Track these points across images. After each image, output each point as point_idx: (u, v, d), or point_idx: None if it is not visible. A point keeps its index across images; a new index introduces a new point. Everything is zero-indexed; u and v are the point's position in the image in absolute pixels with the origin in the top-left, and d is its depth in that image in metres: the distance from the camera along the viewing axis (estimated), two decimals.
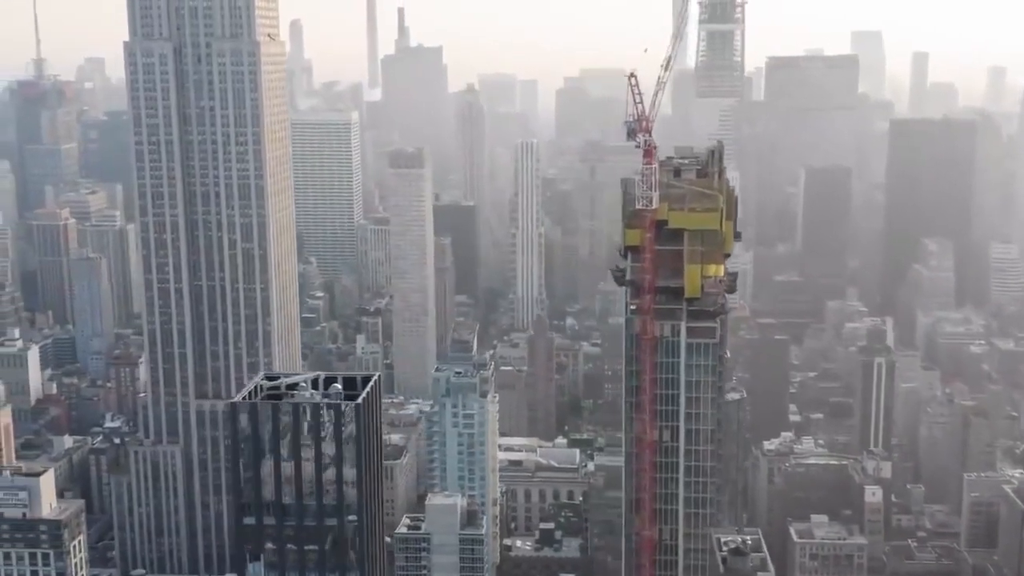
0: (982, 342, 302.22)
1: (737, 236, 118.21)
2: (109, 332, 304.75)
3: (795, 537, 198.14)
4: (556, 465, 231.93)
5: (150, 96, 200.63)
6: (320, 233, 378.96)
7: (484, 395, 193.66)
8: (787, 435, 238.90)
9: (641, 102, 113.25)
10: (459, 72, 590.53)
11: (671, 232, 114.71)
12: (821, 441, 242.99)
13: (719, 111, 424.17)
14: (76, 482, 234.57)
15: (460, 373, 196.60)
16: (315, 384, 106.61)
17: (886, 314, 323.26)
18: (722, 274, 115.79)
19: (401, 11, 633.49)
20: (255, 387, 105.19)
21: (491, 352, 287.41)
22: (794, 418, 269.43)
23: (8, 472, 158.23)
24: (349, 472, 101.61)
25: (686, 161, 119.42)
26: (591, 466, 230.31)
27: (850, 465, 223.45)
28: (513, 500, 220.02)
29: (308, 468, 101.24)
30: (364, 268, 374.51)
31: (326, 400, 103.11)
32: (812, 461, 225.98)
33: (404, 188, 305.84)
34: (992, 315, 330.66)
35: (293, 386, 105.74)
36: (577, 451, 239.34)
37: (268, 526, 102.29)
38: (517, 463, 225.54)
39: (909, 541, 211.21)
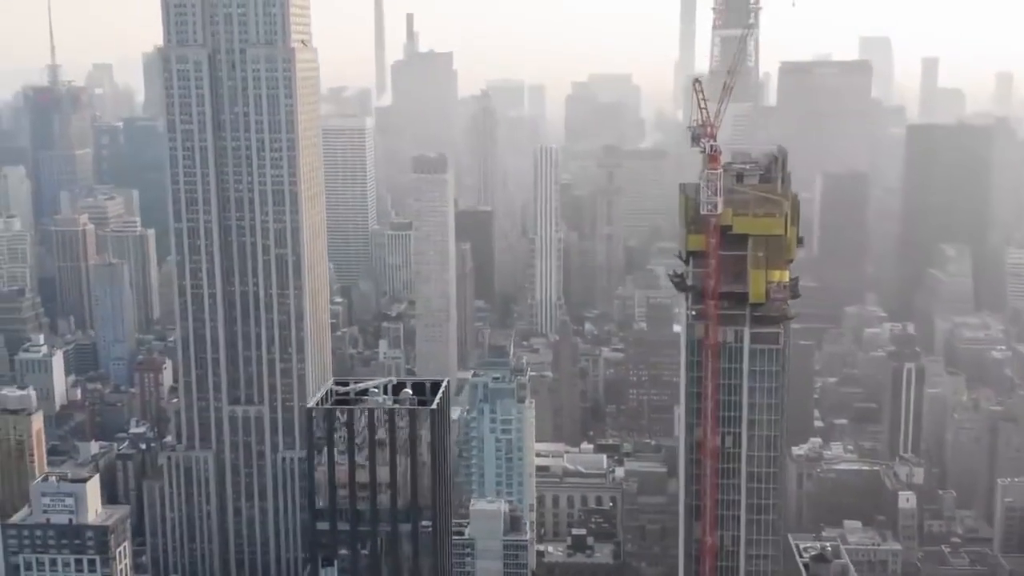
0: (1003, 347, 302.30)
1: (800, 241, 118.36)
2: (130, 338, 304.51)
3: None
4: (584, 471, 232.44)
5: (184, 102, 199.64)
6: (336, 239, 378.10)
7: (522, 400, 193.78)
8: (816, 441, 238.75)
9: (706, 108, 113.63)
10: (467, 77, 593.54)
11: (734, 237, 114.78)
12: (850, 447, 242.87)
13: (732, 116, 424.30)
14: (104, 488, 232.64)
15: (498, 379, 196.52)
16: (385, 389, 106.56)
17: (903, 319, 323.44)
18: (786, 279, 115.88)
19: (410, 17, 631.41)
20: (327, 392, 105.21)
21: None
22: (817, 424, 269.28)
23: (55, 478, 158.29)
24: (423, 477, 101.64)
25: (747, 166, 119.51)
26: (619, 472, 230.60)
27: (881, 471, 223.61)
28: (542, 505, 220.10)
29: (382, 473, 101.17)
30: (381, 273, 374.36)
31: (402, 406, 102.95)
32: (843, 467, 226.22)
33: (428, 193, 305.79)
34: (1010, 320, 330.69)
35: (363, 392, 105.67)
36: (604, 456, 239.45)
37: (342, 531, 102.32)
38: (545, 469, 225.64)
39: (942, 547, 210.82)
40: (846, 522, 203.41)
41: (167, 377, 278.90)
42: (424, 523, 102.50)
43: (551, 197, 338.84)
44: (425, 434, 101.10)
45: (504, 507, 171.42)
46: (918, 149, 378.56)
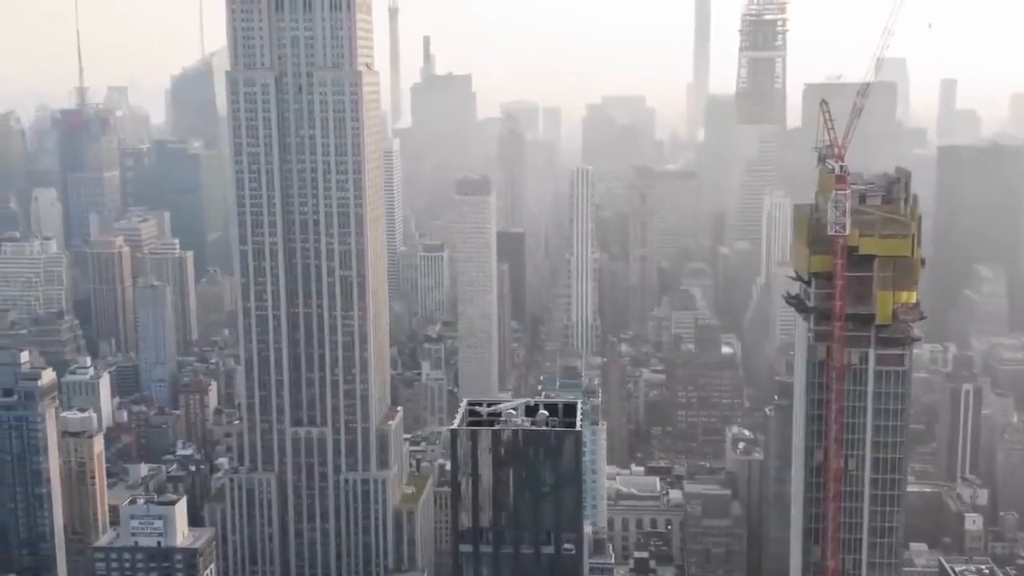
0: None
1: (922, 263, 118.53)
2: (172, 360, 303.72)
3: None
4: (637, 493, 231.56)
5: (251, 125, 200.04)
6: None
7: (595, 423, 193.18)
8: None
9: (833, 128, 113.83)
10: (481, 100, 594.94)
11: (858, 258, 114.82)
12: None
13: (758, 137, 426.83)
14: None
15: None
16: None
17: (940, 340, 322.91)
18: (913, 300, 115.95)
19: (427, 40, 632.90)
20: (464, 413, 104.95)
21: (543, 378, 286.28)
22: None
23: (143, 500, 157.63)
24: (566, 499, 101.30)
25: (867, 187, 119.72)
26: (673, 494, 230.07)
27: (944, 492, 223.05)
28: None
29: (525, 494, 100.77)
30: (412, 294, 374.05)
31: (546, 428, 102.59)
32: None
33: (470, 215, 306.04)
34: None
35: (496, 413, 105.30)
36: (656, 479, 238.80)
37: (484, 553, 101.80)
38: None
39: (1008, 568, 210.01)
40: (912, 544, 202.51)
41: (212, 399, 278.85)
42: (567, 546, 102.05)
43: (586, 218, 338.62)
44: (568, 456, 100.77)
45: (588, 529, 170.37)
46: (948, 170, 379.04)
